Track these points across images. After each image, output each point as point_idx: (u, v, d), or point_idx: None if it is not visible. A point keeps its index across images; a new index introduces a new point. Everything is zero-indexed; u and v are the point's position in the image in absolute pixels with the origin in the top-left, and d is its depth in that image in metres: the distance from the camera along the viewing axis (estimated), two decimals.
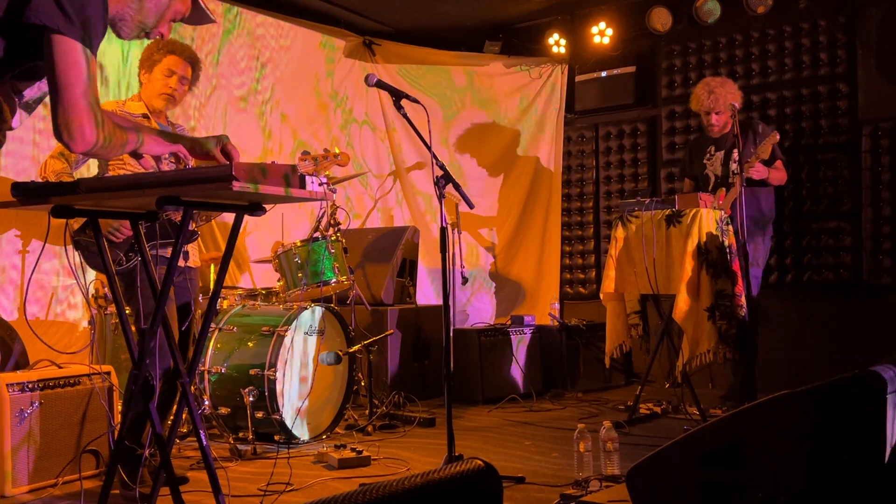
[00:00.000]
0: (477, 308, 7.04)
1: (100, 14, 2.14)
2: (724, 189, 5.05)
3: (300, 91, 6.45)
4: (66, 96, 2.04)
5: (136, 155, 2.43)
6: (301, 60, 6.45)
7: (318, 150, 4.42)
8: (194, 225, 3.75)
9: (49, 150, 3.71)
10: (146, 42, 3.73)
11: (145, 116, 3.70)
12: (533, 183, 7.13)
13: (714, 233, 4.60)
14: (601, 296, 5.02)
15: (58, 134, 2.07)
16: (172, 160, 2.50)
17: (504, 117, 7.20)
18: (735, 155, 5.09)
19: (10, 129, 2.24)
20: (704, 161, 5.28)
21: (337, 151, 4.32)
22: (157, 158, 2.49)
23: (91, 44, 2.09)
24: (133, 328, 3.09)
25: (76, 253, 3.39)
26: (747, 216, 5.08)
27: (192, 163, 2.51)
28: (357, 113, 7.00)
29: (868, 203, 5.63)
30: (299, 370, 4.41)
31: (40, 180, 3.58)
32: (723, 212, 4.76)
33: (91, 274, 4.68)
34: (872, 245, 5.61)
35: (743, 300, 4.56)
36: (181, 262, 3.71)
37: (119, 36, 2.38)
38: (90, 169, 4.25)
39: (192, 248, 3.81)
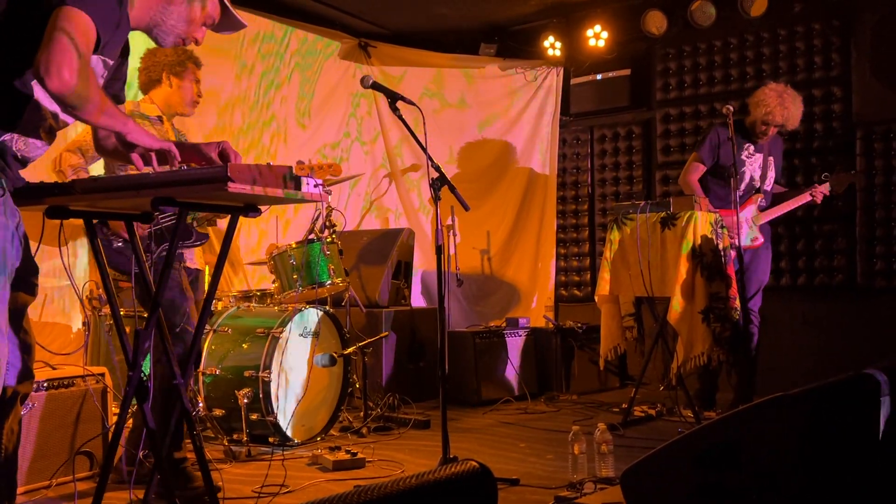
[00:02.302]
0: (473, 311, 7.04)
1: (112, 6, 2.21)
2: (761, 195, 5.05)
3: (295, 93, 6.44)
4: (55, 37, 2.07)
5: (127, 144, 2.42)
6: (297, 62, 6.44)
7: (313, 161, 4.52)
8: (206, 228, 3.75)
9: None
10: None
11: (160, 119, 3.70)
12: (528, 185, 7.13)
13: (709, 236, 4.60)
14: (596, 298, 5.02)
15: (36, 69, 2.08)
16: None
17: (499, 120, 7.21)
18: (771, 163, 5.11)
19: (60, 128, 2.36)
20: (743, 157, 5.09)
21: (331, 163, 4.41)
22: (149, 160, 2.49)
23: (95, 19, 2.13)
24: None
25: (71, 252, 3.40)
26: (771, 224, 5.15)
27: (181, 164, 2.50)
28: (352, 114, 7.00)
29: (861, 206, 5.65)
30: (294, 372, 4.40)
31: (55, 174, 3.60)
32: (717, 215, 4.76)
33: (84, 276, 4.68)
34: (866, 248, 5.62)
35: (737, 303, 4.57)
36: (191, 264, 3.74)
37: (158, 43, 2.48)
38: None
39: (196, 250, 3.84)
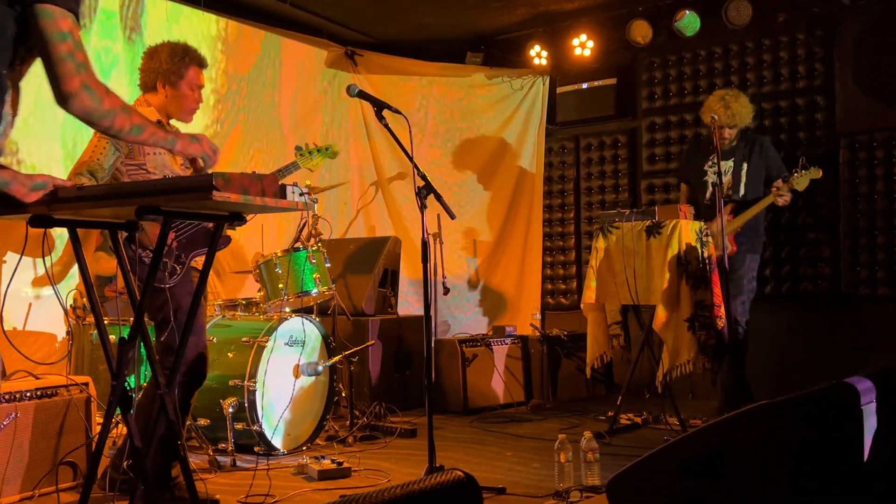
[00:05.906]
0: (459, 319, 7.03)
1: None
2: (732, 204, 5.02)
3: (281, 101, 6.44)
4: (57, 58, 2.06)
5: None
6: (284, 71, 6.44)
7: (310, 145, 4.46)
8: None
9: None
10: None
11: (159, 123, 3.51)
12: (514, 194, 7.15)
13: (693, 244, 4.62)
14: (582, 306, 5.03)
15: (58, 98, 2.09)
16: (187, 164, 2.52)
17: (485, 128, 7.22)
18: (745, 168, 5.12)
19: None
20: (706, 167, 5.16)
21: (327, 145, 4.34)
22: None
23: (76, 12, 2.12)
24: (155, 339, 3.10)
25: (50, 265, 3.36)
26: (750, 230, 5.11)
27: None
28: (338, 123, 6.99)
29: (846, 215, 5.69)
30: (280, 381, 4.38)
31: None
32: (703, 224, 4.78)
33: (71, 283, 4.65)
34: (850, 256, 5.66)
35: (722, 311, 4.58)
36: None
37: None
38: None
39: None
